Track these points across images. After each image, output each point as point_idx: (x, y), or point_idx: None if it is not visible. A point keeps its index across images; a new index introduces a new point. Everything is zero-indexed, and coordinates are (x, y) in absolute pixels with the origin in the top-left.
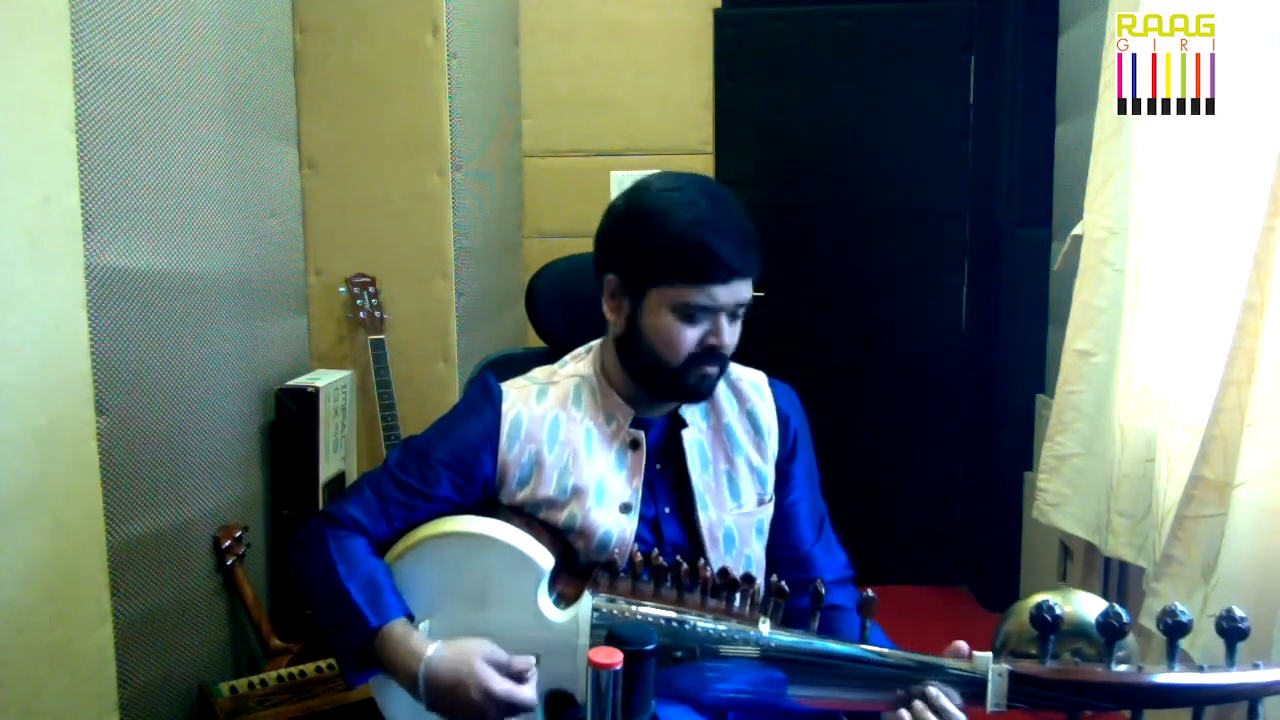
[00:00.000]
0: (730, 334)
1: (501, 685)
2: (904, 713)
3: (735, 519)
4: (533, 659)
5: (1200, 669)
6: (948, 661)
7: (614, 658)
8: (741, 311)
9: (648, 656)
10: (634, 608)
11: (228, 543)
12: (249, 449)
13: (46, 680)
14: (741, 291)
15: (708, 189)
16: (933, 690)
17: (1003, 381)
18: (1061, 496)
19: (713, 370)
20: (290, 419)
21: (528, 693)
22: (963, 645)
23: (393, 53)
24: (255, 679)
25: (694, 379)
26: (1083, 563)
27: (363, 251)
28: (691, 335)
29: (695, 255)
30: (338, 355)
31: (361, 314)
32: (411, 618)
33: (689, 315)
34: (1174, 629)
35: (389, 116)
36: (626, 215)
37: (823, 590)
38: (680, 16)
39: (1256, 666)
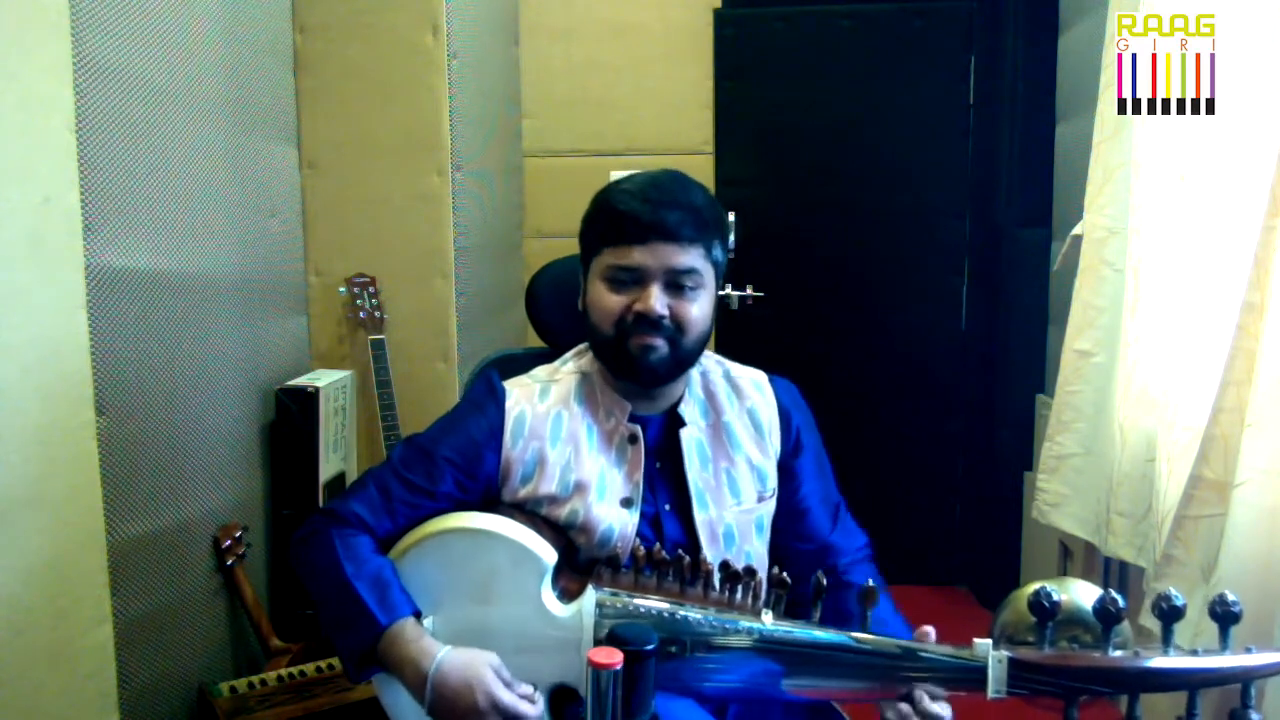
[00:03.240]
0: (662, 302)
1: (508, 696)
2: (903, 705)
3: (735, 516)
4: (533, 688)
5: (1194, 653)
6: (944, 649)
7: (614, 658)
8: (689, 283)
9: (648, 657)
10: (637, 601)
11: (228, 542)
12: (249, 449)
13: (46, 680)
14: (669, 256)
15: (657, 172)
16: (918, 693)
17: (1003, 381)
18: (1061, 496)
19: (652, 340)
20: (290, 419)
21: (531, 710)
22: (929, 630)
23: (393, 53)
24: (255, 679)
25: (634, 350)
26: (1083, 563)
27: (363, 251)
28: (617, 301)
29: (609, 217)
30: (338, 355)
31: (361, 314)
32: (419, 615)
33: (614, 280)
34: (1168, 614)
35: (389, 116)
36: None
37: (824, 581)
38: (680, 16)
39: (1249, 650)
